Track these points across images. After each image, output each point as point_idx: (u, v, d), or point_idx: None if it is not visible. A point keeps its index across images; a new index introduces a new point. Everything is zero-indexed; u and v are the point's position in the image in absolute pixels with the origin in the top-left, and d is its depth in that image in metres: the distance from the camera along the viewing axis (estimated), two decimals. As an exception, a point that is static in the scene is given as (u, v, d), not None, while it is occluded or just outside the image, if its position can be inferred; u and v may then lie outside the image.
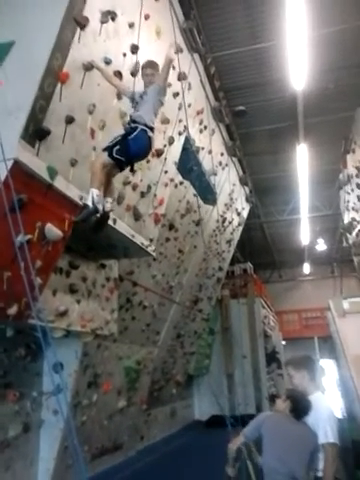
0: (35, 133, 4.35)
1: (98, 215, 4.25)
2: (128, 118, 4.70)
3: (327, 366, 16.47)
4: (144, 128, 4.27)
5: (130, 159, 4.38)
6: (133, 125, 4.28)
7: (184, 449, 10.70)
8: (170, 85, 7.11)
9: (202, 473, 7.77)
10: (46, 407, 6.83)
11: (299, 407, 3.37)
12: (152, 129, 4.36)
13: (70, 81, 4.71)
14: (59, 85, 4.55)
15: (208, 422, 14.19)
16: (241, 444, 3.52)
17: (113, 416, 8.49)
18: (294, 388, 3.56)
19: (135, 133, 4.22)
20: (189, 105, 7.55)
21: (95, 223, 4.40)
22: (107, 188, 4.44)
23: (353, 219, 11.73)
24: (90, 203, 4.06)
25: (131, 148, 4.21)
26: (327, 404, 3.52)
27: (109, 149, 4.22)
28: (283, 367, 4.13)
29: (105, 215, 4.37)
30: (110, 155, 4.18)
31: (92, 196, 4.07)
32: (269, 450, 3.26)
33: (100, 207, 4.14)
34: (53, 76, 4.43)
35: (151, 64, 4.67)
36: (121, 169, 4.51)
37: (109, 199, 4.43)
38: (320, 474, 3.30)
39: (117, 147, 4.18)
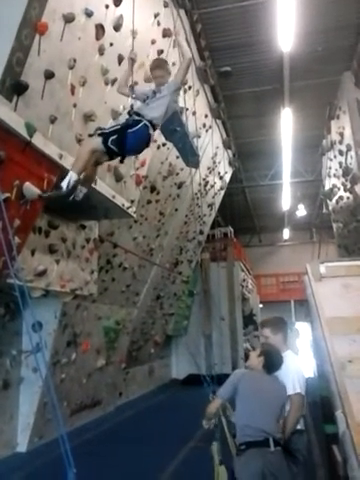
0: (12, 87, 4.18)
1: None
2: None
3: (302, 329, 16.99)
4: (147, 124, 3.94)
5: (124, 152, 4.02)
6: (137, 118, 3.92)
7: (161, 405, 11.07)
8: (154, 42, 6.92)
9: (178, 427, 8.08)
10: (25, 365, 6.95)
11: (272, 362, 3.50)
12: (155, 127, 4.05)
13: (49, 33, 4.50)
14: (37, 37, 4.35)
15: (185, 380, 14.63)
16: (219, 406, 3.61)
17: (92, 374, 8.68)
18: (268, 343, 3.68)
19: (137, 127, 3.87)
20: (173, 64, 7.33)
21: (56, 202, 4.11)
22: (89, 177, 4.11)
23: (334, 186, 11.82)
24: (65, 186, 3.73)
25: (128, 141, 3.86)
26: (296, 360, 3.73)
27: (105, 136, 3.87)
28: (259, 327, 4.30)
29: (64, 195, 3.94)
30: (105, 143, 3.84)
31: (69, 180, 3.73)
32: (243, 407, 3.36)
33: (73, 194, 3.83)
34: (31, 27, 4.22)
35: (160, 64, 4.29)
36: (111, 158, 4.13)
37: (83, 189, 4.02)
38: (299, 426, 3.51)
39: (114, 136, 3.83)
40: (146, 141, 4.05)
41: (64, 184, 3.74)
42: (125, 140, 3.86)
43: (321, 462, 4.97)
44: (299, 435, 3.54)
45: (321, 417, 4.93)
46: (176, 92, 4.25)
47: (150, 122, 3.95)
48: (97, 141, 3.88)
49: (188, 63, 4.17)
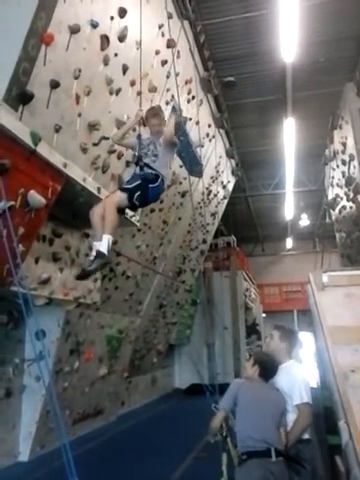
0: (18, 96, 4.24)
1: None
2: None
3: (305, 338, 16.91)
4: (163, 179, 4.07)
5: (142, 205, 4.20)
6: (153, 172, 4.00)
7: (164, 415, 11.00)
8: (158, 52, 6.99)
9: (180, 437, 8.03)
10: (28, 373, 6.93)
11: (267, 369, 3.49)
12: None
13: (55, 44, 4.58)
14: (43, 48, 4.42)
15: (187, 390, 14.54)
16: (223, 419, 3.58)
17: (94, 383, 8.64)
18: (261, 351, 3.67)
19: (158, 183, 3.99)
20: (177, 74, 7.40)
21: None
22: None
23: (337, 195, 11.83)
24: (105, 251, 3.58)
25: (149, 196, 3.99)
26: (300, 370, 3.71)
27: (129, 192, 3.89)
28: (272, 328, 4.29)
29: (108, 262, 3.89)
30: (130, 199, 3.88)
31: (108, 244, 3.61)
32: (243, 417, 3.33)
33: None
34: (37, 37, 4.29)
35: (156, 113, 4.33)
36: (123, 212, 4.18)
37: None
38: (306, 436, 3.48)
39: (138, 193, 3.88)
40: (160, 193, 4.19)
41: (104, 249, 3.60)
42: (147, 195, 3.96)
43: (324, 473, 4.91)
44: (306, 444, 3.51)
45: (324, 428, 4.90)
46: (173, 149, 4.34)
47: (163, 177, 4.07)
48: (122, 197, 3.91)
49: (174, 123, 4.22)
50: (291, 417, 3.41)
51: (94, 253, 3.63)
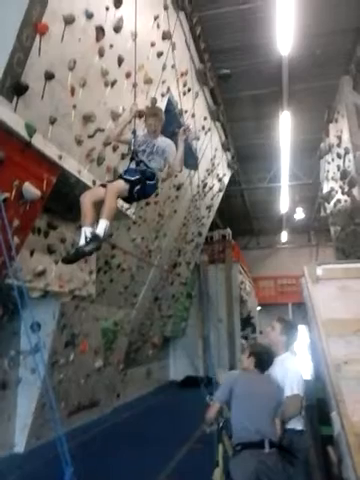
0: (13, 88, 4.22)
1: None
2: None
3: (300, 331, 17.00)
4: (158, 177, 4.30)
5: (138, 199, 4.35)
6: (151, 170, 4.16)
7: (159, 407, 11.06)
8: (154, 44, 6.94)
9: (175, 429, 8.09)
10: (24, 365, 6.95)
11: (262, 360, 3.55)
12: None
13: (50, 34, 4.54)
14: (38, 38, 4.38)
15: (182, 382, 14.62)
16: (218, 410, 3.61)
17: (90, 375, 8.68)
18: (256, 343, 3.72)
19: (154, 181, 4.18)
20: (173, 66, 7.38)
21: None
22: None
23: (332, 189, 11.84)
24: (102, 234, 3.64)
25: (146, 191, 4.15)
26: (294, 363, 3.77)
27: (131, 184, 3.99)
28: (275, 319, 4.32)
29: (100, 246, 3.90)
30: (130, 191, 4.00)
31: (105, 228, 3.67)
32: (239, 408, 3.37)
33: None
34: (31, 27, 4.25)
35: (154, 114, 4.33)
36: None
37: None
38: (299, 427, 3.53)
39: (138, 186, 4.02)
40: (154, 190, 4.36)
41: (100, 233, 3.65)
42: (145, 190, 4.11)
43: (317, 463, 4.98)
44: (300, 435, 3.56)
45: (317, 419, 4.96)
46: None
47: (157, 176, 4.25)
48: (125, 187, 3.97)
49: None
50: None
51: (88, 236, 3.61)
